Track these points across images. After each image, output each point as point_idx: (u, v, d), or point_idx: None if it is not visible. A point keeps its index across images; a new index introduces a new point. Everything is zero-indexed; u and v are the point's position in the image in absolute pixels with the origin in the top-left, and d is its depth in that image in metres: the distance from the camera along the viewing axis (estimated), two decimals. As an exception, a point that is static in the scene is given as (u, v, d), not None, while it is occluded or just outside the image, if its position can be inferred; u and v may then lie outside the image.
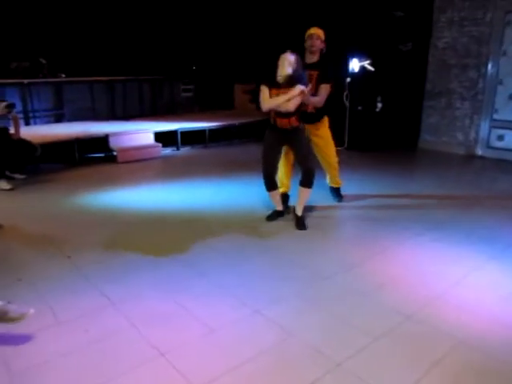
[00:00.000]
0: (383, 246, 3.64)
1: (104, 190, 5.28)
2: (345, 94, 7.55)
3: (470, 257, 3.44)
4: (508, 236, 3.85)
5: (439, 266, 3.29)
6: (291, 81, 3.73)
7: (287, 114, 3.84)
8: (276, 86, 3.79)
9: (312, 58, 4.21)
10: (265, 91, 3.82)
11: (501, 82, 6.97)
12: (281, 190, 4.43)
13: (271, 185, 4.17)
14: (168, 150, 7.55)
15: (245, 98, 10.08)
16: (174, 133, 7.59)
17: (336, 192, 4.87)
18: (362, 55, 7.32)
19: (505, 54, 6.88)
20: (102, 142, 6.81)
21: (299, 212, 4.14)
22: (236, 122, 8.35)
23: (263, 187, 4.20)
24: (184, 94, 9.93)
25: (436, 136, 7.70)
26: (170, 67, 9.58)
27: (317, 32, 4.17)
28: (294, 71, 3.72)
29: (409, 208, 4.60)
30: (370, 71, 7.28)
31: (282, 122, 3.90)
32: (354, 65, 7.40)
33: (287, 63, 3.70)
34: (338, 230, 4.26)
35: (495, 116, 7.04)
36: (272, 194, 4.24)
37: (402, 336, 2.43)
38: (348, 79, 7.48)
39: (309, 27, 4.24)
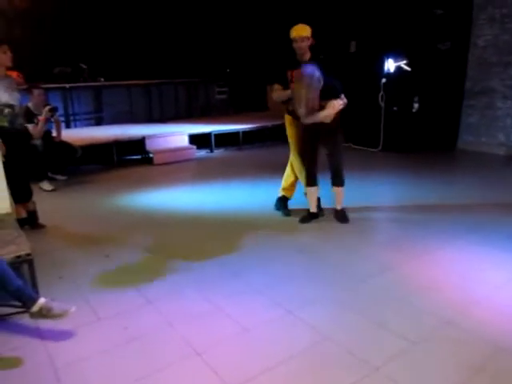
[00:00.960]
0: (421, 250, 3.55)
1: (141, 192, 5.41)
2: (380, 94, 7.43)
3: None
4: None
5: (479, 270, 3.19)
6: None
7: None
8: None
9: (304, 57, 3.99)
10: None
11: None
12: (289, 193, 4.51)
13: (312, 180, 4.15)
14: (202, 152, 7.65)
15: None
16: (208, 135, 7.69)
17: (281, 202, 4.54)
18: (397, 55, 7.19)
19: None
20: (138, 144, 6.98)
21: (339, 206, 4.22)
22: (269, 123, 8.37)
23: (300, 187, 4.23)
24: (218, 97, 10.04)
25: (476, 136, 7.47)
26: (205, 70, 9.70)
27: (299, 34, 3.93)
28: (314, 92, 3.73)
29: (447, 210, 4.48)
30: (406, 71, 7.15)
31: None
32: (390, 65, 7.28)
33: (302, 100, 3.77)
34: (374, 232, 4.19)
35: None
36: (310, 191, 4.20)
37: (441, 341, 2.37)
38: (383, 80, 7.37)
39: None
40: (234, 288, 2.99)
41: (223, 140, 7.96)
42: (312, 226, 4.16)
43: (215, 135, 7.74)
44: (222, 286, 3.01)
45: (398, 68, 7.20)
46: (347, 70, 8.96)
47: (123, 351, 2.33)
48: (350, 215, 4.30)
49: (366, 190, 5.21)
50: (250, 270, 3.25)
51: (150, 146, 6.97)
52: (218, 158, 7.48)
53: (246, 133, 8.12)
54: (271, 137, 8.54)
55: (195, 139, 7.50)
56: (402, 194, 5.10)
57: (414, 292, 2.89)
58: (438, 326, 2.50)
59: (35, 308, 2.41)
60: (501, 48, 6.94)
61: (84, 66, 8.17)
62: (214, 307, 2.74)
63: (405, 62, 7.13)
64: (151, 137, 7.03)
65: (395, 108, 7.44)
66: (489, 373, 2.13)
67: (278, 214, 4.46)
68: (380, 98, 7.46)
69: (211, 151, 7.75)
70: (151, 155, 6.94)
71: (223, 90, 10.12)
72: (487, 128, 7.32)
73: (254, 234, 3.95)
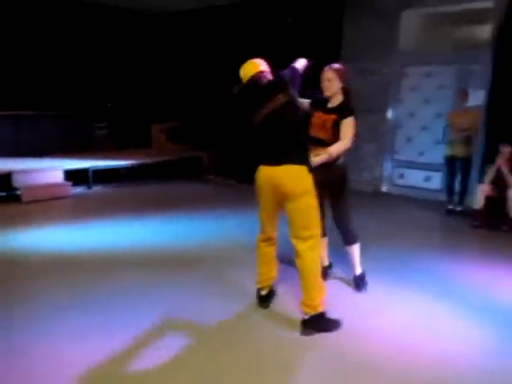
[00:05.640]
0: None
1: (6, 232, 4.85)
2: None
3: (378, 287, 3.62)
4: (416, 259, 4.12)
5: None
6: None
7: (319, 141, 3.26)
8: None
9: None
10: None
11: (399, 127, 7.67)
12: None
13: None
14: (79, 189, 7.19)
15: (162, 137, 10.02)
16: (86, 171, 7.27)
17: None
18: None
19: (402, 101, 7.61)
20: (4, 179, 6.32)
21: (358, 270, 3.59)
22: (152, 160, 8.24)
23: (179, 226, 4.15)
24: (98, 131, 9.64)
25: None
26: (85, 104, 9.29)
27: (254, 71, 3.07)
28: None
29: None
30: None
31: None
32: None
33: None
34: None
35: (396, 156, 7.68)
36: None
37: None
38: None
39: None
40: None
41: (103, 176, 7.59)
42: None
43: (94, 171, 7.35)
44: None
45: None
46: (231, 111, 9.34)
47: None
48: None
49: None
50: (108, 309, 3.05)
51: (17, 181, 6.35)
52: (97, 195, 7.08)
53: (127, 169, 7.86)
54: (154, 173, 8.40)
55: (72, 175, 7.03)
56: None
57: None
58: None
59: None
60: (363, 97, 7.78)
61: None
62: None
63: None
64: (20, 172, 6.42)
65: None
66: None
67: (152, 251, 4.33)
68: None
69: (89, 188, 7.32)
70: (19, 192, 6.32)
71: (103, 125, 9.75)
72: (355, 167, 8.06)
73: (130, 272, 3.76)
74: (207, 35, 9.58)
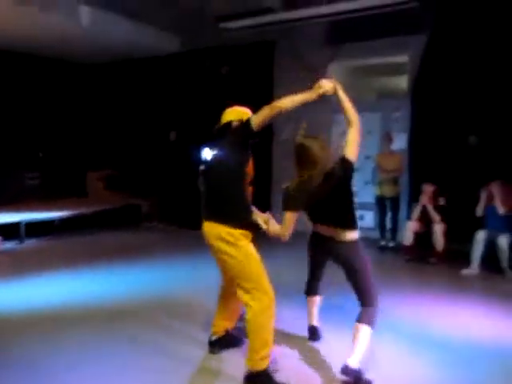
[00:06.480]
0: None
1: None
2: (199, 180, 7.84)
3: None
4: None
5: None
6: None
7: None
8: None
9: None
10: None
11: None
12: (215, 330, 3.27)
13: (309, 288, 3.44)
14: (9, 244, 6.80)
15: (98, 185, 9.82)
16: (17, 224, 6.92)
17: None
18: (212, 145, 7.80)
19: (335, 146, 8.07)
20: None
21: (353, 362, 2.77)
22: (89, 210, 8.01)
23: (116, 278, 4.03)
24: (30, 182, 9.26)
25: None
26: (14, 154, 8.94)
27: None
28: None
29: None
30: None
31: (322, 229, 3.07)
32: (207, 153, 7.80)
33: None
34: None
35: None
36: (307, 301, 3.50)
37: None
38: (202, 166, 7.83)
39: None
40: None
41: (36, 229, 7.25)
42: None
43: (26, 225, 7.01)
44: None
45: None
46: (168, 158, 9.40)
47: None
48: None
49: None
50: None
51: None
52: (29, 249, 6.73)
53: (62, 220, 7.57)
54: (92, 224, 8.14)
55: (2, 230, 6.65)
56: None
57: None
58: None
59: None
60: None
61: None
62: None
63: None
64: None
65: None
66: None
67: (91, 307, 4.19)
68: (199, 183, 7.86)
69: (21, 242, 6.94)
70: None
71: (35, 175, 9.40)
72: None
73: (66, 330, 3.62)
74: (143, 84, 9.71)
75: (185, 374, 2.99)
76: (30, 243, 7.01)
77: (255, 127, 2.75)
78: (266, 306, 2.76)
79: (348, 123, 3.00)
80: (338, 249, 2.99)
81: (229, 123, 3.03)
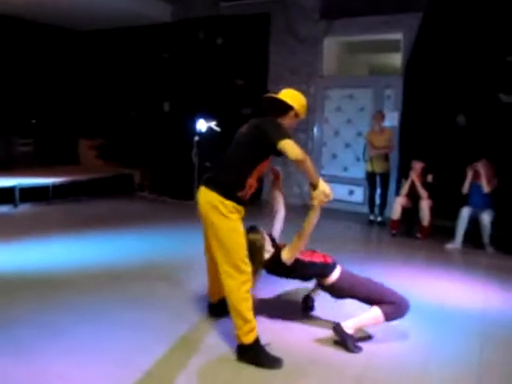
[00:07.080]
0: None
1: None
2: (193, 151, 7.93)
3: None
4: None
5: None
6: None
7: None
8: None
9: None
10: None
11: (325, 144, 8.23)
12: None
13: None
14: (4, 208, 6.88)
15: (91, 154, 9.84)
16: (11, 189, 6.98)
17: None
18: (208, 116, 7.87)
19: (327, 121, 8.18)
20: None
21: (347, 325, 2.95)
22: (83, 177, 8.07)
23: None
24: (22, 148, 9.25)
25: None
26: (6, 120, 8.90)
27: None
28: None
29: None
30: (216, 131, 7.85)
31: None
32: (201, 125, 7.87)
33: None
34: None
35: (322, 172, 8.19)
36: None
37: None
38: (196, 138, 7.91)
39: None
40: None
41: (31, 195, 7.31)
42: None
43: (21, 190, 7.07)
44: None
45: (209, 128, 7.87)
46: (161, 129, 9.43)
47: None
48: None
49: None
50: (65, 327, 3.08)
51: None
52: (23, 214, 6.82)
53: (56, 187, 7.62)
54: (85, 192, 8.20)
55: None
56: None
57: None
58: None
59: None
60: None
61: None
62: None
63: (215, 123, 7.84)
64: None
65: (208, 164, 8.03)
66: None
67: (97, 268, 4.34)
68: (193, 155, 7.96)
69: (15, 207, 7.03)
70: None
71: (28, 141, 9.39)
72: (285, 182, 8.45)
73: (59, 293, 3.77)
74: (137, 54, 9.65)
75: (180, 329, 3.18)
76: (24, 208, 7.10)
77: (280, 148, 2.76)
78: (240, 282, 2.74)
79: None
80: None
81: (283, 108, 3.11)
